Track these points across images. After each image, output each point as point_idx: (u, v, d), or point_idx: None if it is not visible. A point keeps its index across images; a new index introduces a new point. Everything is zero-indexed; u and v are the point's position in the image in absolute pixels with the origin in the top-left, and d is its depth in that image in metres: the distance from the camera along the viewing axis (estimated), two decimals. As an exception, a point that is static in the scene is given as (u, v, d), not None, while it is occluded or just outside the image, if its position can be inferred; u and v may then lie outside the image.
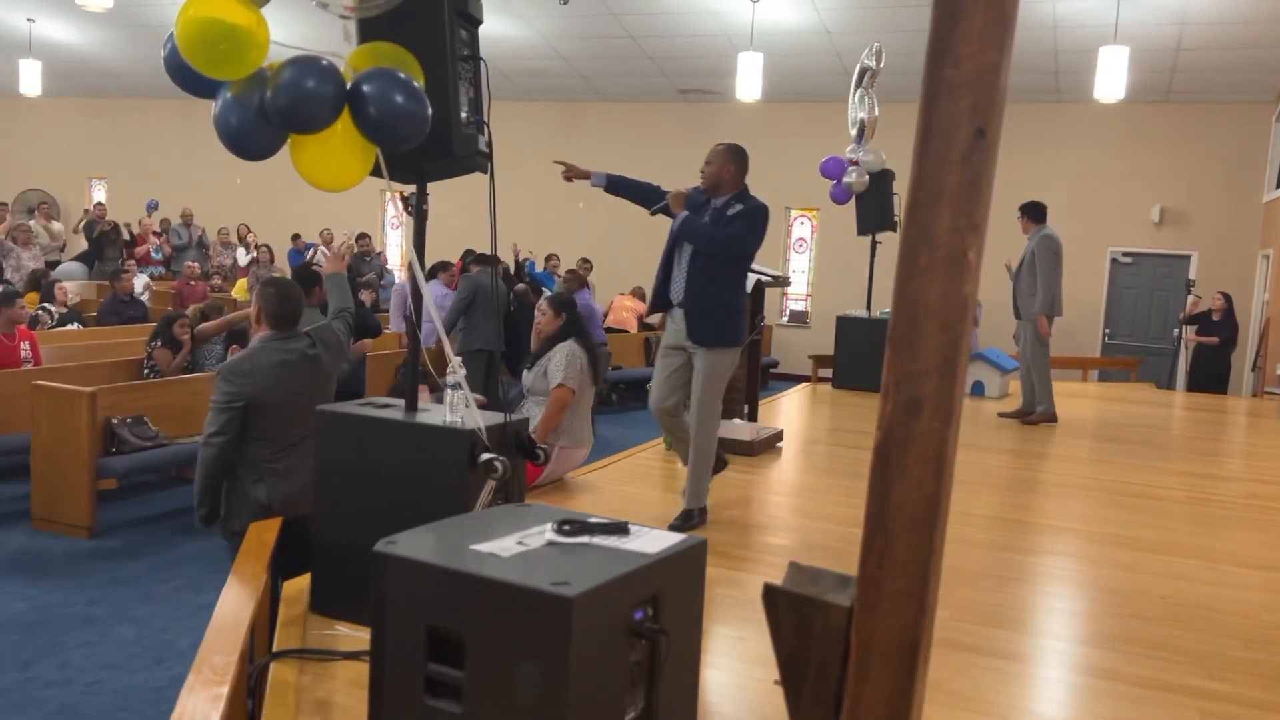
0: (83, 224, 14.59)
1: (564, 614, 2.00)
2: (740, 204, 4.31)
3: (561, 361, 4.90)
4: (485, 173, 3.14)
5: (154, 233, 14.92)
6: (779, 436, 6.29)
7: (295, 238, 14.91)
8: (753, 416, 6.10)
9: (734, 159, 4.39)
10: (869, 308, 9.08)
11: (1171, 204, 12.54)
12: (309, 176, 2.75)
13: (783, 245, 14.61)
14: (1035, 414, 7.63)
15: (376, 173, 2.88)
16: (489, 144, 3.14)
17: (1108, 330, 12.86)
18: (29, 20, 13.83)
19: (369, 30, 2.93)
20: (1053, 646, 3.33)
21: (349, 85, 2.63)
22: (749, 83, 10.89)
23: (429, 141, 2.92)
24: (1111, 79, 9.58)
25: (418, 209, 3.15)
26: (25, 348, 6.96)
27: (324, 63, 2.58)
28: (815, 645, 1.51)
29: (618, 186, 4.54)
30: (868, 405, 7.67)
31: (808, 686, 1.52)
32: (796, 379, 11.98)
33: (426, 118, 2.69)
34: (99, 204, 15.93)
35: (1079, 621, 3.61)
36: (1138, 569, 4.14)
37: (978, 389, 8.88)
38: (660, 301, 4.45)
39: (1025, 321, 7.57)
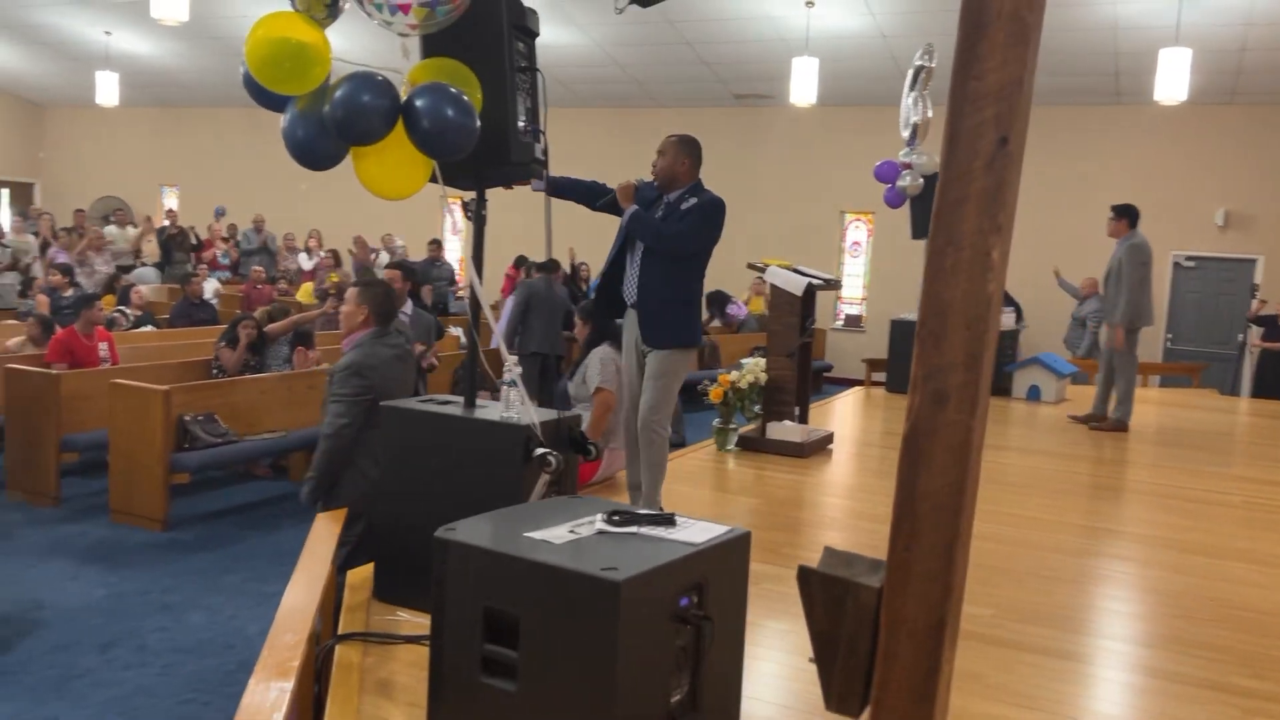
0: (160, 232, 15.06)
1: (612, 597, 2.11)
2: (694, 198, 4.12)
3: (597, 367, 5.05)
4: (542, 179, 3.28)
5: (222, 238, 15.36)
6: (830, 439, 6.34)
7: (356, 240, 15.25)
8: (803, 418, 6.16)
9: (688, 151, 4.16)
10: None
11: (1236, 207, 12.31)
12: (370, 185, 2.91)
13: (837, 249, 14.59)
14: (1108, 421, 7.46)
15: (435, 180, 3.03)
16: (545, 151, 3.27)
17: (1170, 335, 12.65)
18: (106, 33, 14.34)
19: (432, 44, 3.09)
20: (1097, 644, 3.36)
21: (404, 99, 2.78)
22: (804, 87, 10.94)
23: (488, 149, 3.06)
24: (1173, 81, 9.46)
25: (477, 214, 3.29)
26: (104, 348, 7.26)
27: (379, 78, 2.74)
28: (846, 624, 1.60)
29: (560, 189, 4.19)
30: (920, 409, 7.66)
31: (839, 663, 1.61)
32: (851, 383, 11.98)
33: (475, 130, 2.82)
34: (170, 210, 16.45)
35: (1124, 621, 3.63)
36: (1187, 571, 4.13)
37: (1034, 393, 8.83)
38: (610, 303, 4.27)
39: (1110, 329, 7.38)
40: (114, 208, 16.74)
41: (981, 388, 1.50)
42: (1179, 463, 6.46)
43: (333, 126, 2.71)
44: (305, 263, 14.89)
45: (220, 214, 15.41)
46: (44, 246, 12.95)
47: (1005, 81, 1.46)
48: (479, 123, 2.84)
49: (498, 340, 3.45)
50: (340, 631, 3.08)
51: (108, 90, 14.40)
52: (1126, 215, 7.37)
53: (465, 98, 2.80)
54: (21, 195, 19.05)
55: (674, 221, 4.09)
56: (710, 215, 4.09)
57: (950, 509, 1.51)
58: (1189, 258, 12.55)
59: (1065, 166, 12.93)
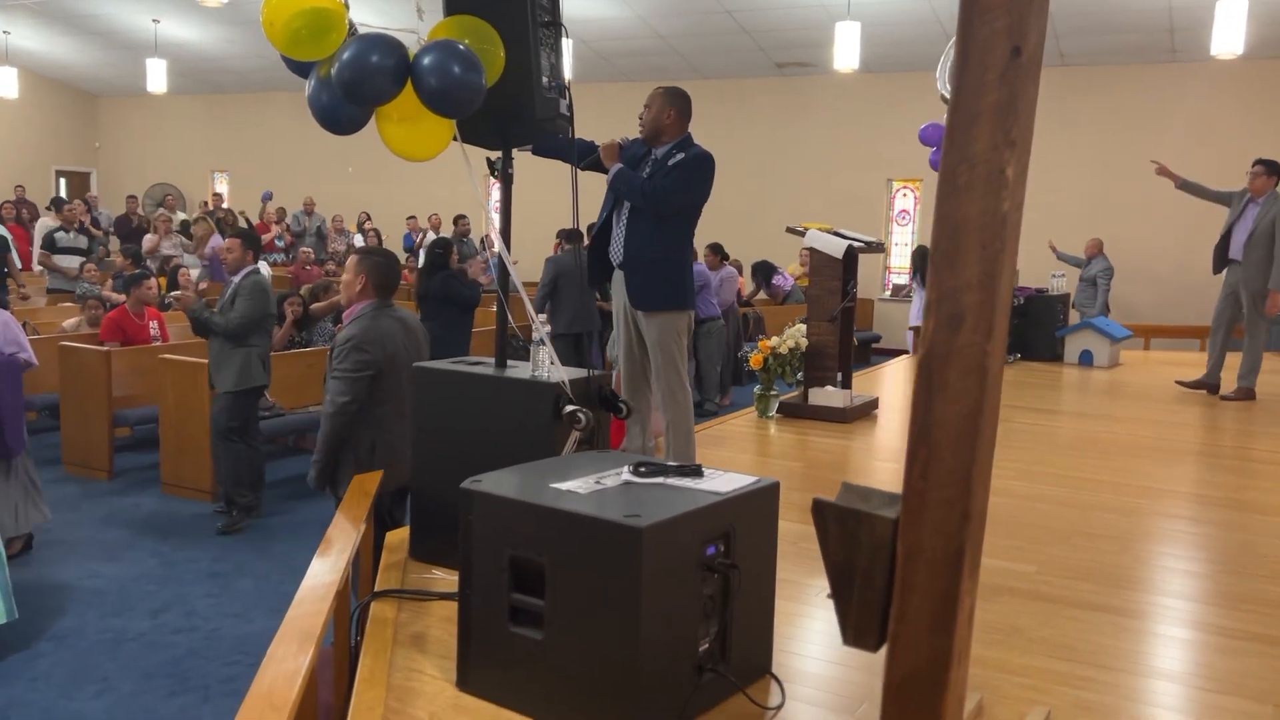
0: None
1: (634, 544, 2.10)
2: (681, 153, 3.94)
3: None
4: (566, 136, 3.25)
5: (275, 222, 15.58)
6: (875, 404, 6.27)
7: (410, 219, 15.43)
8: (846, 384, 6.09)
9: (673, 102, 3.97)
10: (971, 277, 8.91)
11: (1300, 163, 11.91)
12: (394, 147, 2.91)
13: (884, 218, 14.40)
14: (1237, 389, 7.02)
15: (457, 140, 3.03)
16: (570, 107, 3.24)
17: (1233, 298, 12.30)
18: (154, 21, 14.57)
19: (454, 1, 3.07)
20: (1141, 599, 3.28)
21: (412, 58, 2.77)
22: (847, 53, 10.77)
23: (511, 106, 3.05)
24: (1229, 34, 9.15)
25: (504, 173, 3.28)
26: (154, 326, 7.40)
27: (387, 38, 2.72)
28: (862, 556, 1.57)
29: (545, 150, 3.88)
30: (968, 374, 7.53)
31: (855, 597, 1.59)
32: (900, 354, 11.84)
33: (482, 85, 2.80)
34: (216, 194, 16.71)
35: (1171, 576, 3.54)
36: (1240, 528, 4.02)
37: (1086, 358, 8.64)
38: (601, 267, 4.12)
39: (1248, 294, 6.91)
40: (165, 194, 17.04)
41: (998, 310, 1.46)
42: (1241, 425, 6.29)
43: (340, 89, 2.71)
44: (359, 242, 15.05)
45: (267, 198, 15.62)
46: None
47: (1017, -11, 1.40)
48: (484, 78, 2.82)
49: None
50: (377, 589, 3.11)
51: (157, 78, 14.64)
52: (1277, 171, 6.89)
53: (472, 53, 2.78)
54: (78, 184, 19.48)
55: (659, 178, 3.93)
56: (697, 170, 3.92)
57: (968, 434, 1.47)
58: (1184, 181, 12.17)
59: (1123, 126, 12.62)
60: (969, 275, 1.45)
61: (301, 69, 2.95)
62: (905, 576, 1.52)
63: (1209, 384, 7.25)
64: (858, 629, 1.61)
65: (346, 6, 2.82)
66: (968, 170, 1.45)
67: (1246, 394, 7.06)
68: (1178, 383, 7.48)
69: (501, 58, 2.96)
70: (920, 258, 10.57)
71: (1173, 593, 3.36)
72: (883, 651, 1.61)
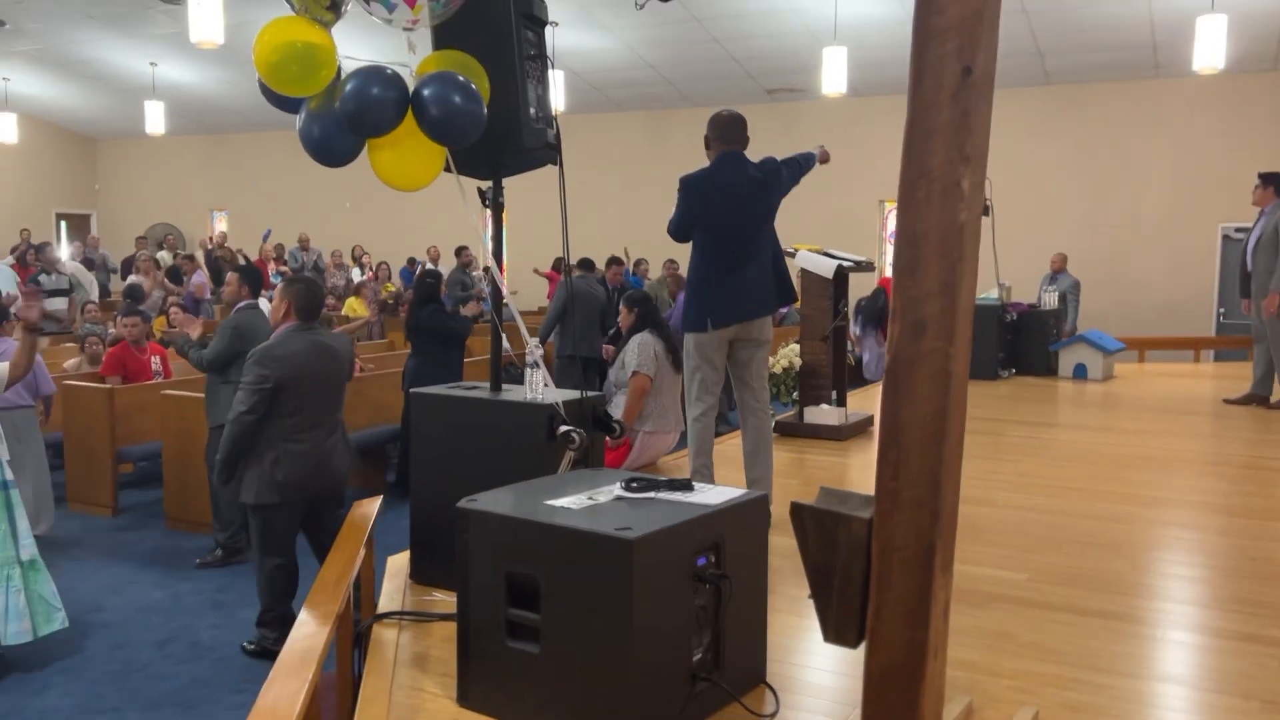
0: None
1: (626, 555, 2.17)
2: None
3: (635, 351, 5.10)
4: (555, 165, 3.34)
5: (273, 258, 15.70)
6: (870, 421, 6.33)
7: (411, 260, 15.56)
8: (840, 401, 6.15)
9: (706, 131, 4.15)
10: (963, 294, 8.97)
11: (1286, 176, 12.03)
12: (386, 177, 3.00)
13: (878, 238, 14.52)
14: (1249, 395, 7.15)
15: (450, 170, 3.12)
16: (557, 137, 3.33)
17: (1222, 310, 12.40)
18: (152, 64, 14.76)
19: (442, 35, 3.17)
20: (1133, 603, 3.33)
21: (411, 90, 2.86)
22: (834, 77, 10.91)
23: (500, 136, 3.14)
24: (1210, 49, 9.30)
25: (494, 202, 3.37)
26: (156, 362, 7.48)
27: (387, 70, 2.82)
28: (839, 556, 1.63)
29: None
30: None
31: (835, 596, 1.65)
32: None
33: (483, 116, 2.90)
34: (223, 233, 16.86)
35: (1163, 580, 3.60)
36: (1231, 533, 4.08)
37: (1080, 371, 8.70)
38: None
39: (1255, 299, 7.07)
40: (166, 234, 17.18)
41: (959, 316, 1.53)
42: (1229, 433, 6.35)
43: (345, 120, 2.81)
44: (356, 277, 15.17)
45: (267, 236, 15.75)
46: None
47: (965, 14, 1.49)
48: (485, 109, 2.91)
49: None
50: (379, 611, 3.17)
51: (156, 119, 14.80)
52: (1274, 183, 7.10)
53: (472, 85, 2.88)
54: (79, 226, 19.64)
55: None
56: (679, 193, 4.08)
57: (935, 435, 1.54)
58: (1238, 229, 12.29)
59: (1109, 142, 12.77)
60: (930, 284, 1.53)
61: (285, 103, 3.04)
62: (880, 574, 1.58)
63: (1258, 396, 7.26)
64: (838, 626, 1.67)
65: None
66: (925, 184, 1.53)
67: (1260, 400, 7.14)
68: (1226, 401, 7.44)
69: (487, 89, 3.06)
70: (871, 311, 10.64)
71: (1163, 596, 3.41)
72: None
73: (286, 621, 4.23)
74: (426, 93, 2.83)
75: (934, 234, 1.52)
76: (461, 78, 2.88)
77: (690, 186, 4.08)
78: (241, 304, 5.73)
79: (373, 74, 2.82)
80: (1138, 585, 3.52)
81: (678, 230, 4.12)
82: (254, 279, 5.99)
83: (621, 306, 5.50)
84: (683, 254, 4.44)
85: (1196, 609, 3.27)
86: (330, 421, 4.36)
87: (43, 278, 11.72)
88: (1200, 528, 4.17)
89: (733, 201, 4.01)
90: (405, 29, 2.90)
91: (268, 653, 4.22)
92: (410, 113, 2.86)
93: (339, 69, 2.95)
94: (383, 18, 2.85)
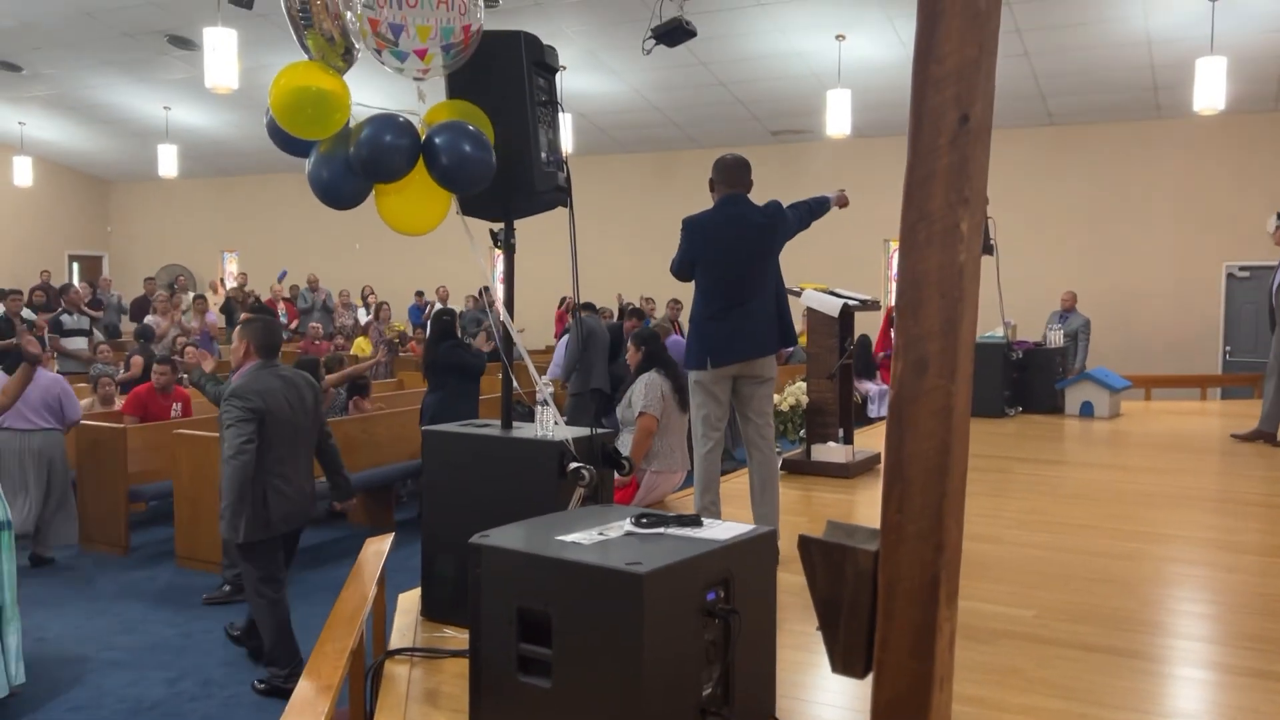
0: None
1: (636, 590, 2.20)
2: None
3: (642, 391, 5.15)
4: (566, 206, 3.42)
5: (284, 298, 15.83)
6: (877, 459, 6.35)
7: (418, 294, 15.73)
8: (848, 439, 6.18)
9: (712, 173, 4.23)
10: (969, 333, 9.01)
11: (1289, 214, 12.11)
12: (392, 222, 3.08)
13: (883, 277, 14.60)
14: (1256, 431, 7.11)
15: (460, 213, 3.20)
16: (568, 180, 3.41)
17: (1228, 347, 12.42)
18: (165, 108, 14.99)
19: (456, 82, 3.26)
20: (1140, 639, 3.34)
21: (423, 138, 2.94)
22: (839, 119, 11.06)
23: (512, 179, 3.22)
24: (1211, 90, 9.41)
25: (506, 244, 3.44)
26: (177, 408, 7.53)
27: (400, 119, 2.90)
28: (846, 588, 1.67)
29: None
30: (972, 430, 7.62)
31: (842, 627, 1.68)
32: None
33: (492, 163, 2.98)
34: (242, 273, 17.04)
35: (1170, 617, 3.61)
36: (1239, 570, 4.08)
37: (1087, 409, 8.72)
38: None
39: (1275, 334, 7.04)
40: (177, 274, 17.34)
41: (960, 354, 1.58)
42: (1237, 470, 6.36)
43: (359, 166, 2.88)
44: (363, 317, 15.29)
45: (283, 277, 15.86)
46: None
47: (963, 64, 1.55)
48: (495, 156, 2.99)
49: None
50: (390, 648, 3.19)
51: (168, 162, 15.02)
52: None
53: (483, 134, 2.96)
54: (91, 268, 19.83)
55: None
56: (682, 233, 4.17)
57: (938, 470, 1.59)
58: (1242, 267, 12.36)
59: (1112, 183, 12.87)
60: (931, 324, 1.58)
61: (292, 146, 3.12)
62: (886, 605, 1.62)
63: (1265, 433, 7.20)
64: (845, 657, 1.70)
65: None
66: (925, 227, 1.59)
67: (1267, 437, 7.11)
68: (1233, 436, 7.41)
69: (492, 137, 3.14)
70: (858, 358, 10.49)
71: (1171, 633, 3.42)
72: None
73: (293, 656, 4.27)
74: (438, 141, 2.91)
75: (934, 275, 1.58)
76: (472, 127, 2.96)
77: (692, 227, 4.16)
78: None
79: (386, 121, 2.90)
80: (1145, 622, 3.53)
81: (679, 270, 4.21)
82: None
83: (629, 344, 5.57)
84: (688, 293, 4.51)
85: (1205, 645, 3.28)
86: (306, 453, 4.55)
87: (65, 318, 11.89)
88: (1208, 564, 4.18)
89: (734, 243, 4.08)
90: (416, 79, 2.98)
91: (278, 691, 4.27)
92: (420, 160, 2.93)
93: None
94: (394, 67, 2.93)
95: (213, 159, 17.60)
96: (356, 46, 3.01)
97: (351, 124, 2.96)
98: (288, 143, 3.03)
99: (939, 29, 1.56)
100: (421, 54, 2.89)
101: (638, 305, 11.26)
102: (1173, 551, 4.41)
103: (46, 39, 12.45)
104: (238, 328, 4.64)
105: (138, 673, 4.68)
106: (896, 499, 1.61)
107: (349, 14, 2.91)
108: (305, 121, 2.91)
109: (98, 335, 12.38)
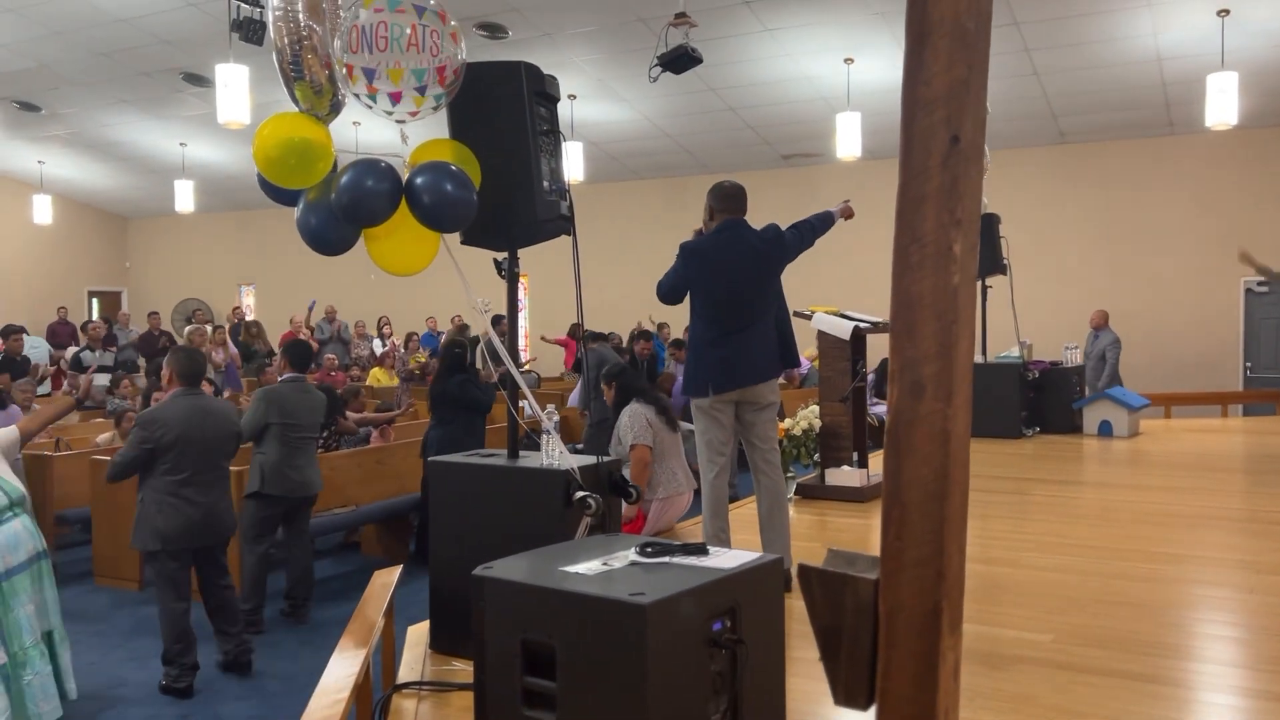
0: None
1: (639, 621, 2.17)
2: None
3: (628, 424, 5.14)
4: (569, 235, 3.42)
5: (307, 327, 15.84)
6: (891, 483, 6.29)
7: (430, 319, 15.79)
8: (862, 463, 6.13)
9: (707, 199, 4.27)
10: (984, 353, 8.97)
11: (1306, 228, 12.01)
12: (383, 264, 3.10)
13: (898, 300, 14.55)
14: None
15: (468, 242, 3.20)
16: (570, 208, 3.41)
17: (1249, 364, 12.29)
18: (181, 144, 15.16)
19: (458, 112, 3.27)
20: (1160, 663, 3.27)
21: (405, 179, 2.96)
22: (849, 142, 11.05)
23: (514, 208, 3.22)
24: (1223, 105, 9.37)
25: (510, 273, 3.44)
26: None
27: (381, 163, 2.92)
28: (847, 618, 1.64)
29: None
30: (986, 450, 7.57)
31: (843, 657, 1.65)
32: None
33: (473, 202, 2.99)
34: (237, 307, 17.14)
35: (1189, 640, 3.54)
36: (1261, 590, 4.01)
37: (1105, 429, 8.63)
38: None
39: None
40: (194, 309, 17.46)
41: (956, 376, 1.56)
42: (1260, 489, 6.27)
43: (339, 212, 2.90)
44: (378, 348, 15.33)
45: (313, 307, 15.85)
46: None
47: (952, 84, 1.54)
48: (476, 195, 3.00)
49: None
50: (398, 682, 3.17)
51: (185, 198, 15.16)
52: None
53: (464, 173, 2.97)
54: (110, 303, 20.01)
55: None
56: (677, 257, 4.19)
57: (936, 495, 1.56)
58: (1260, 283, 12.23)
59: (1126, 201, 12.80)
60: (926, 347, 1.55)
61: (280, 195, 3.15)
62: (888, 635, 1.59)
63: None
64: (848, 689, 1.67)
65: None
66: (918, 249, 1.57)
67: None
68: None
69: (478, 174, 3.15)
70: (883, 374, 10.52)
71: (1193, 656, 3.35)
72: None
73: (186, 657, 4.77)
74: (419, 181, 2.93)
75: (928, 297, 1.55)
76: (454, 166, 2.98)
77: (690, 253, 4.17)
78: (285, 375, 5.97)
79: (367, 167, 2.92)
80: (1166, 645, 3.46)
81: (667, 291, 4.22)
82: (292, 353, 6.18)
83: (602, 384, 5.62)
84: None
85: (1228, 669, 3.21)
86: (214, 477, 4.92)
87: (85, 354, 11.96)
88: (1230, 585, 4.11)
89: (731, 268, 4.07)
90: (400, 121, 3.01)
91: (172, 690, 4.77)
92: (404, 202, 2.95)
93: (335, 162, 3.05)
94: (384, 110, 2.95)
95: (228, 193, 17.77)
96: (342, 94, 3.04)
97: (337, 170, 2.98)
98: (276, 193, 3.06)
99: (926, 50, 1.55)
100: (396, 97, 2.91)
101: (647, 328, 11.25)
102: (1193, 573, 4.34)
103: (64, 79, 12.63)
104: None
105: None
106: (895, 525, 1.58)
107: (337, 65, 2.94)
108: (288, 172, 2.94)
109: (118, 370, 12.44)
